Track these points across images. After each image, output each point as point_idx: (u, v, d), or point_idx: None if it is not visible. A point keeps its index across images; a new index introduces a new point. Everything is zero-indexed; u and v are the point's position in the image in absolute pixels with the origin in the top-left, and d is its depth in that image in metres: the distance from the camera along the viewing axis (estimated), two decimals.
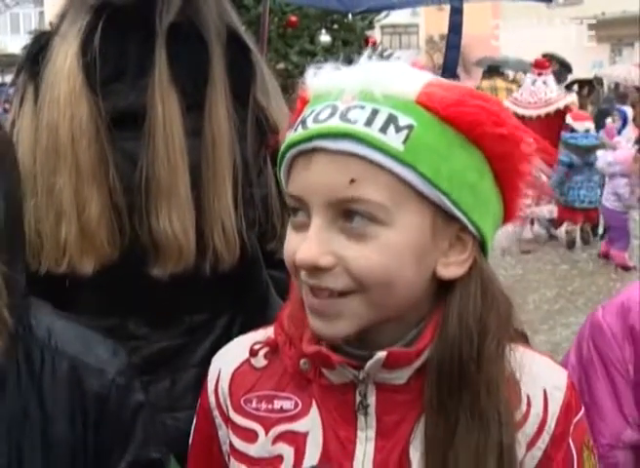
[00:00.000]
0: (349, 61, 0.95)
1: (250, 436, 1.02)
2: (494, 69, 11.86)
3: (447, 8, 4.14)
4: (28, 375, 1.11)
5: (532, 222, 8.52)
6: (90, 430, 1.12)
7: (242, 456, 1.03)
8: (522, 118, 7.24)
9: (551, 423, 0.98)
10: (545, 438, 0.98)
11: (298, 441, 0.99)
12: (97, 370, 1.14)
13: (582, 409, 1.03)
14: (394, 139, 0.88)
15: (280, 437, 1.00)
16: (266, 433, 1.01)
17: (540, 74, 8.55)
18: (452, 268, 0.94)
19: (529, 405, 0.98)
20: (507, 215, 0.99)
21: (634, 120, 8.57)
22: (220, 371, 1.08)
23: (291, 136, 0.93)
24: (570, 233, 8.42)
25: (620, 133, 9.50)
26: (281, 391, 1.02)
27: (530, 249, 7.94)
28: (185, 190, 1.39)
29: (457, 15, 3.95)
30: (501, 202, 0.96)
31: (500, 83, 11.30)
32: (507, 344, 0.96)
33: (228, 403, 1.05)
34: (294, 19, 8.46)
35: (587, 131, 8.19)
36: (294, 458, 0.98)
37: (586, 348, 1.44)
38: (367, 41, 9.01)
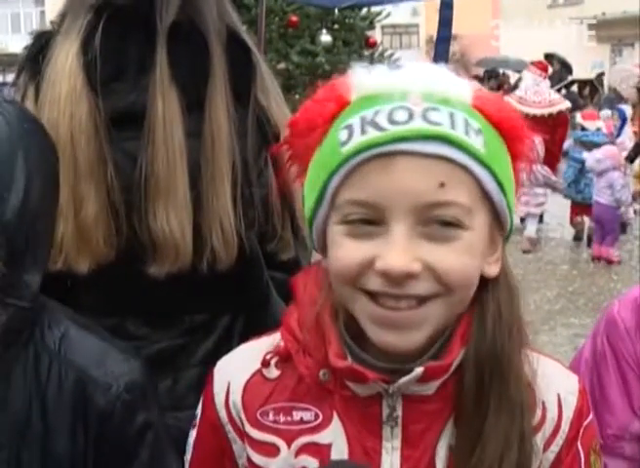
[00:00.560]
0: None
1: (271, 450, 1.00)
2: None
3: None
4: (35, 383, 1.07)
5: (540, 220, 8.55)
6: (90, 445, 1.08)
7: None
8: (526, 116, 7.26)
9: (565, 427, 0.99)
10: (559, 441, 0.99)
11: (322, 452, 0.97)
12: (104, 384, 1.09)
13: (592, 413, 1.04)
14: (477, 142, 0.88)
15: (303, 449, 0.98)
16: (288, 446, 0.99)
17: (541, 75, 8.62)
18: (493, 266, 0.96)
19: (544, 409, 0.99)
20: None
21: (632, 119, 8.61)
22: (229, 384, 1.05)
23: (360, 139, 0.88)
24: (577, 226, 8.43)
25: (619, 132, 9.55)
26: (298, 402, 1.00)
27: (530, 249, 7.95)
28: (184, 189, 1.39)
29: (447, 9, 3.98)
30: None
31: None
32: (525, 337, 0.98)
33: (243, 416, 1.02)
34: (294, 18, 8.45)
35: (598, 129, 8.28)
36: None
37: (600, 342, 1.44)
38: (367, 41, 8.99)
